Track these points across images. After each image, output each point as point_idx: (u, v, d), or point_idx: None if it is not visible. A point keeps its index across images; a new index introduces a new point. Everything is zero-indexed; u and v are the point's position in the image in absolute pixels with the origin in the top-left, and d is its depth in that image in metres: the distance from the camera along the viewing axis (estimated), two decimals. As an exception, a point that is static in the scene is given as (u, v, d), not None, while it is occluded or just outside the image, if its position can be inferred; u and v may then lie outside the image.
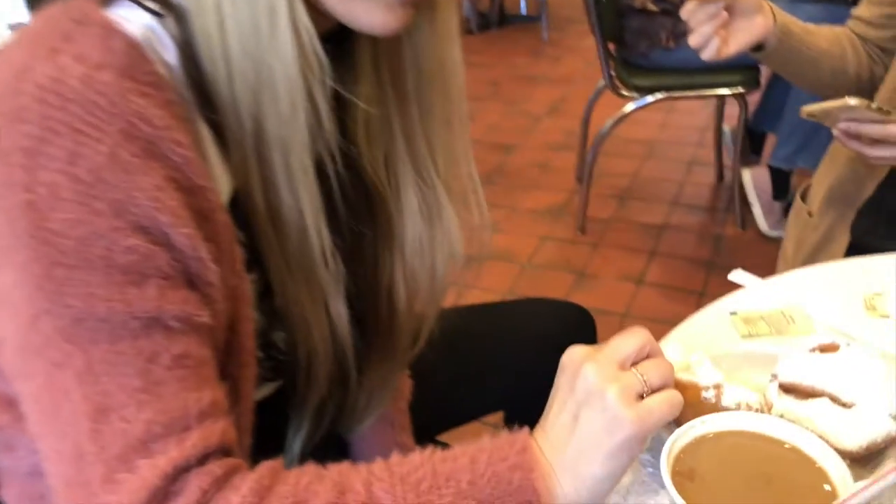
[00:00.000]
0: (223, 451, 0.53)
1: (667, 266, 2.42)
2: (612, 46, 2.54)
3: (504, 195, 2.86)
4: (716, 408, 0.58)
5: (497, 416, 1.08)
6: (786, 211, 2.54)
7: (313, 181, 0.61)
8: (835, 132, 1.00)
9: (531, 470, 0.53)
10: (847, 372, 0.63)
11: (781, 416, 0.61)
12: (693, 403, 0.58)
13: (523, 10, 5.01)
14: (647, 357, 0.56)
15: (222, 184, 0.59)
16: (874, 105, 0.92)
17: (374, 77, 0.70)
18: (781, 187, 2.52)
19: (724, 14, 0.96)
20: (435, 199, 0.74)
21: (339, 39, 0.64)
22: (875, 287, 0.84)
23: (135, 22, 0.54)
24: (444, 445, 0.56)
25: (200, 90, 0.57)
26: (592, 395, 0.53)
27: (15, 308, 0.51)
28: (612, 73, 2.43)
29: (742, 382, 0.66)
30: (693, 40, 0.98)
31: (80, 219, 0.49)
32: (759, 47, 1.04)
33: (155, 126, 0.50)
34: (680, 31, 2.44)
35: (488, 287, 2.30)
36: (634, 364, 0.55)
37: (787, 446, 0.52)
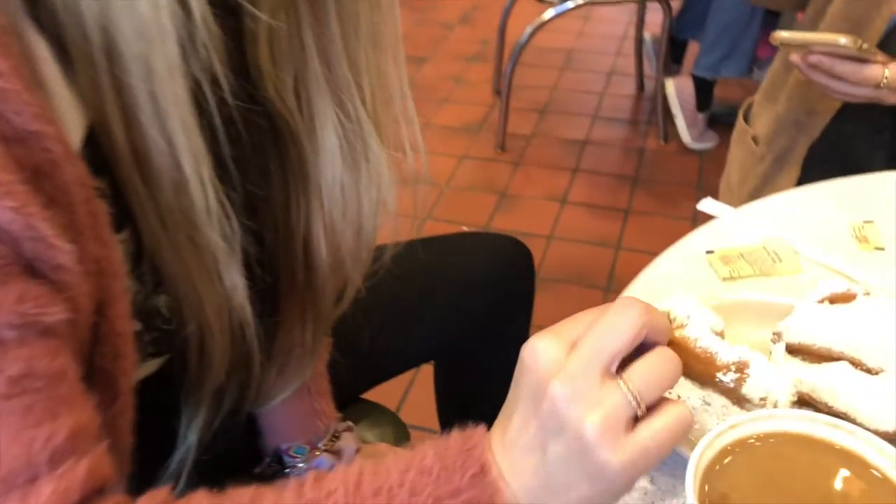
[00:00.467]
0: (93, 495, 0.38)
1: (590, 183, 2.32)
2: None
3: (417, 111, 2.66)
4: (734, 394, 0.45)
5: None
6: (709, 122, 2.47)
7: (190, 115, 0.44)
8: (795, 60, 0.87)
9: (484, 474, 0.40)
10: (868, 328, 0.51)
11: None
12: (703, 382, 0.45)
13: None
14: (642, 346, 0.41)
15: (71, 119, 0.42)
16: (865, 45, 0.79)
17: None
18: (705, 98, 2.43)
19: None
20: (360, 134, 0.57)
21: None
22: (863, 214, 0.73)
23: None
24: (370, 406, 0.41)
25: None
26: (565, 427, 0.39)
27: None
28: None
29: (736, 340, 0.53)
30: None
31: None
32: None
33: None
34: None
35: (405, 212, 2.14)
36: (623, 366, 0.40)
37: (854, 457, 0.38)
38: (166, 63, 0.42)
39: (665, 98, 2.48)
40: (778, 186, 1.01)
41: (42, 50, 0.40)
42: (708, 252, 0.69)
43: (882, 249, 0.69)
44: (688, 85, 2.44)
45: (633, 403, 0.39)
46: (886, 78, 0.79)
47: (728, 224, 0.73)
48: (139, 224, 0.47)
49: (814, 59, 0.84)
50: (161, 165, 0.45)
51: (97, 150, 0.43)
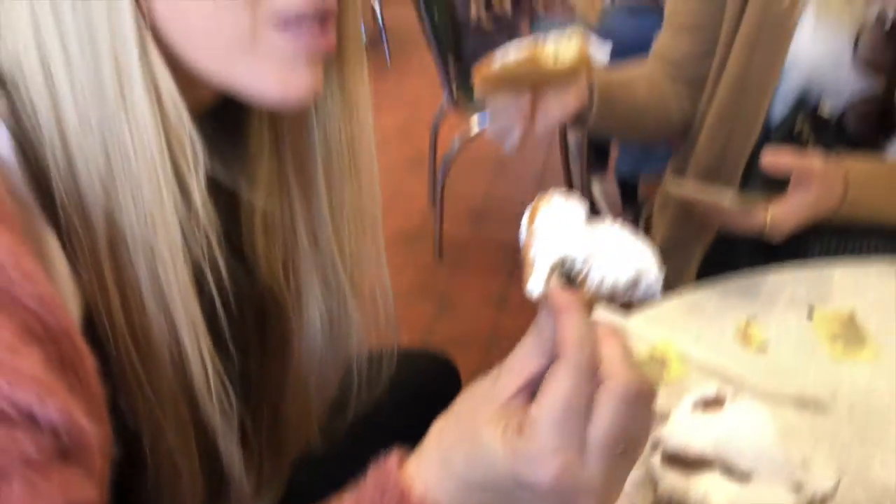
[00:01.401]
0: None
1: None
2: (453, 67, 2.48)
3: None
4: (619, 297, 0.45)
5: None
6: (636, 220, 2.56)
7: (191, 296, 0.46)
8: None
9: None
10: (738, 433, 0.53)
11: (669, 501, 0.49)
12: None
13: (363, 36, 4.91)
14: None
15: (70, 302, 0.43)
16: (746, 200, 0.82)
17: (275, 162, 0.56)
18: (630, 196, 2.53)
19: (527, 100, 0.80)
20: (339, 306, 0.61)
21: (225, 111, 0.51)
22: (746, 312, 0.76)
23: None
24: None
25: (40, 184, 0.43)
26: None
27: None
28: (454, 90, 2.36)
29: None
30: (489, 132, 0.83)
31: None
32: (576, 118, 0.89)
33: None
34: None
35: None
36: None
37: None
38: (169, 248, 0.44)
39: (592, 200, 2.57)
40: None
41: (51, 241, 0.42)
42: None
43: (765, 347, 0.72)
44: (612, 185, 2.54)
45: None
46: (769, 222, 0.81)
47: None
48: (133, 406, 0.47)
49: (701, 212, 0.87)
50: (160, 343, 0.46)
51: (90, 333, 0.44)
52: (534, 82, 0.78)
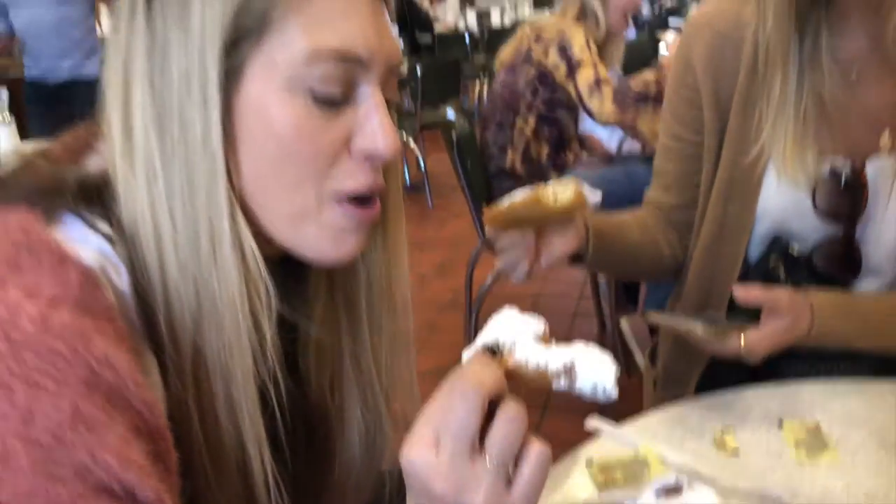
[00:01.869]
0: None
1: (561, 417, 2.41)
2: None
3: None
4: (573, 392, 0.52)
5: None
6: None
7: (257, 411, 0.56)
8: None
9: None
10: (692, 514, 0.62)
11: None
12: (545, 390, 0.52)
13: (407, 180, 5.26)
14: (494, 410, 0.48)
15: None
16: (718, 329, 0.91)
17: (328, 301, 0.67)
18: (657, 331, 2.61)
19: (532, 238, 0.94)
20: (376, 424, 0.71)
21: (289, 262, 0.61)
22: (724, 422, 0.85)
23: (87, 245, 0.51)
24: None
25: (146, 314, 0.53)
26: None
27: None
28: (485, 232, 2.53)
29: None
30: (501, 264, 0.96)
31: (37, 489, 0.42)
32: (576, 256, 1.02)
33: (118, 371, 0.45)
34: (547, 193, 2.60)
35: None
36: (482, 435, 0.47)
37: None
38: (242, 371, 0.54)
39: (623, 338, 2.66)
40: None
41: (151, 360, 0.53)
42: (587, 465, 0.80)
43: (736, 451, 0.81)
44: (641, 321, 2.63)
45: (502, 471, 0.47)
46: (743, 348, 0.89)
47: (611, 437, 0.85)
48: (200, 498, 0.55)
49: (678, 339, 0.95)
50: (228, 448, 0.55)
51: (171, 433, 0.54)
52: (536, 220, 0.92)
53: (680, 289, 1.16)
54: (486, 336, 0.54)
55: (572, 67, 2.42)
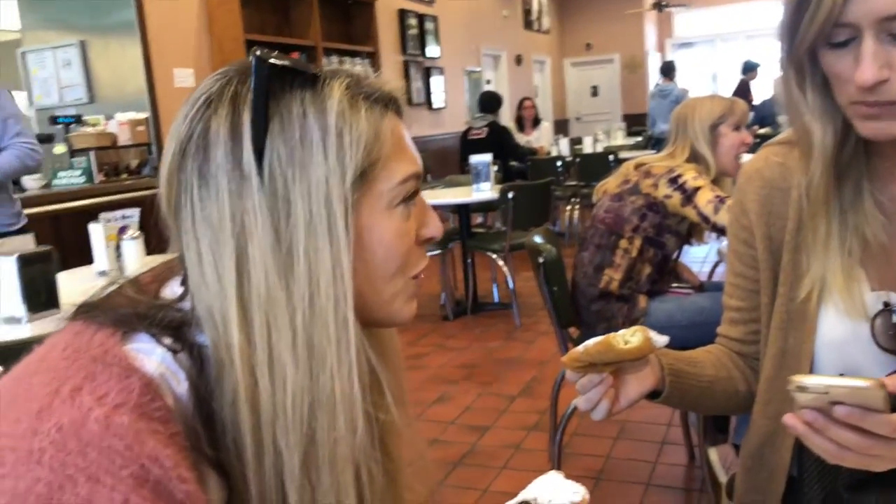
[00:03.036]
0: None
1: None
2: (576, 332, 2.73)
3: (476, 478, 2.84)
4: None
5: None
6: (758, 490, 2.53)
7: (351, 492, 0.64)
8: (791, 423, 0.83)
9: None
10: None
11: None
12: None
13: (496, 297, 5.35)
14: None
15: None
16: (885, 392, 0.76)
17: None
18: (749, 465, 2.53)
19: (610, 379, 1.00)
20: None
21: None
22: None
23: (152, 356, 0.60)
24: None
25: (207, 417, 0.61)
26: None
27: None
28: (573, 355, 2.57)
29: None
30: (581, 404, 1.01)
31: None
32: (653, 394, 1.08)
33: (164, 467, 0.53)
34: (634, 317, 2.63)
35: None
36: None
37: None
38: (349, 459, 0.63)
39: (711, 468, 2.59)
40: None
41: (208, 469, 0.60)
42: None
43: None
44: (731, 453, 2.56)
45: None
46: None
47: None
48: None
49: (842, 411, 0.76)
50: None
51: None
52: (609, 363, 1.00)
53: (748, 422, 1.18)
54: (525, 493, 0.62)
55: (689, 195, 2.47)
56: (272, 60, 0.63)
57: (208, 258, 0.63)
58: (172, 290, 0.69)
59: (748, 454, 1.20)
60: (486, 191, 4.94)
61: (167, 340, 0.62)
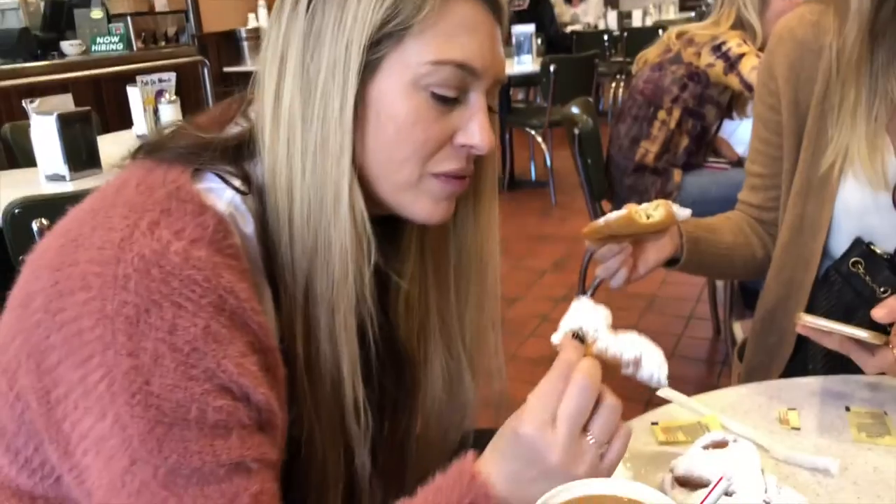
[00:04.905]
0: None
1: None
2: (608, 206, 2.73)
3: (506, 343, 2.93)
4: (636, 377, 0.66)
5: None
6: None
7: (354, 339, 0.68)
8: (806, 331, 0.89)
9: (487, 499, 0.59)
10: (731, 464, 0.68)
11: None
12: (614, 375, 0.65)
13: (533, 176, 5.32)
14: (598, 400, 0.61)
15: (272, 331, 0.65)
16: (883, 337, 0.83)
17: (418, 259, 0.80)
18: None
19: (629, 248, 1.01)
20: (458, 372, 0.83)
21: (390, 221, 0.74)
22: (790, 404, 0.90)
23: (221, 197, 0.64)
24: None
25: (269, 255, 0.66)
26: (567, 478, 0.58)
27: (110, 455, 0.55)
28: (604, 228, 2.58)
29: (645, 480, 0.72)
30: (601, 272, 1.03)
31: (178, 384, 0.55)
32: (672, 261, 1.09)
33: (239, 298, 0.58)
34: (668, 191, 2.61)
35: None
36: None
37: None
38: (344, 309, 0.66)
39: (734, 340, 2.63)
40: None
41: (267, 292, 0.65)
42: (652, 423, 0.88)
43: (798, 429, 0.85)
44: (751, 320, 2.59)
45: (602, 450, 0.60)
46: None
47: (680, 406, 0.92)
48: (300, 411, 0.68)
49: (833, 344, 0.86)
50: (325, 370, 0.68)
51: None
52: (630, 234, 1.00)
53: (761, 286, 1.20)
54: (569, 322, 0.66)
55: (732, 62, 2.38)
56: None
57: (265, 77, 0.67)
58: (233, 129, 0.71)
59: (760, 318, 1.22)
60: (527, 63, 4.81)
61: (235, 182, 0.66)
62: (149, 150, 0.67)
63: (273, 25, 0.68)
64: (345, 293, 0.66)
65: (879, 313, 0.87)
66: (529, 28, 4.83)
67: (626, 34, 6.87)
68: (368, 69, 0.65)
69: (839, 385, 0.94)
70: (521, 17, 6.04)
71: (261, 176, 0.67)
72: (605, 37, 6.78)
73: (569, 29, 7.30)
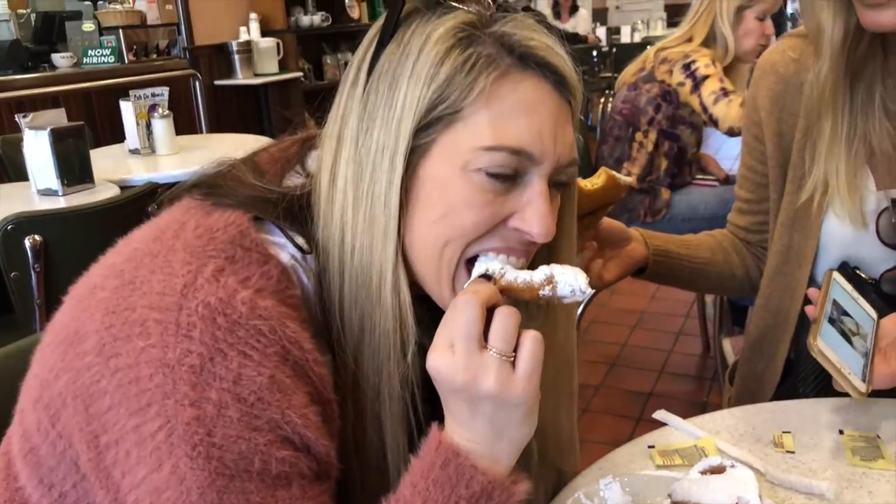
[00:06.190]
0: None
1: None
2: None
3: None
4: (555, 300, 0.64)
5: None
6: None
7: (398, 411, 0.66)
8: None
9: (457, 455, 0.59)
10: (728, 490, 0.69)
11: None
12: (533, 302, 0.65)
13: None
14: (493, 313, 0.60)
15: None
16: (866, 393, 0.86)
17: None
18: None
19: (594, 244, 1.02)
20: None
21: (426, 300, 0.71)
22: (784, 427, 0.91)
23: (284, 250, 0.64)
24: None
25: (324, 312, 0.66)
26: (480, 398, 0.59)
27: None
28: (594, 245, 2.60)
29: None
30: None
31: (242, 435, 0.55)
32: (639, 270, 1.12)
33: (303, 349, 0.58)
34: (656, 209, 2.63)
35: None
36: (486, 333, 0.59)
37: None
38: (389, 382, 0.65)
39: (724, 357, 2.65)
40: None
41: (325, 349, 0.64)
42: (650, 447, 0.89)
43: (793, 453, 0.87)
44: (742, 343, 2.61)
45: (505, 358, 0.59)
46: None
47: (676, 429, 0.93)
48: (347, 453, 0.66)
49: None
50: (371, 439, 0.66)
51: None
52: (583, 210, 0.97)
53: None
54: (478, 267, 0.65)
55: (697, 82, 2.43)
56: None
57: (325, 151, 0.67)
58: (293, 180, 0.71)
59: (748, 345, 1.24)
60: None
61: (299, 240, 0.65)
62: (206, 191, 0.66)
63: (338, 97, 0.68)
64: (387, 372, 0.65)
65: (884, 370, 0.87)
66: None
67: (614, 49, 6.93)
68: (418, 152, 0.63)
69: (832, 408, 0.95)
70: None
71: (319, 239, 0.66)
72: (594, 52, 6.84)
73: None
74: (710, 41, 2.50)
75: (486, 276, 0.65)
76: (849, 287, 0.90)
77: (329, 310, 0.65)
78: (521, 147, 0.63)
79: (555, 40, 0.65)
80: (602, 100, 6.80)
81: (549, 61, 0.64)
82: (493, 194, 0.63)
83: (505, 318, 0.60)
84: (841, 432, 0.90)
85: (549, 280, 0.64)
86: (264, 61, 5.66)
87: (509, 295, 0.64)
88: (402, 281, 0.64)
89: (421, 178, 0.64)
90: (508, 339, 0.59)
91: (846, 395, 0.89)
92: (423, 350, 0.63)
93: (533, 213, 0.64)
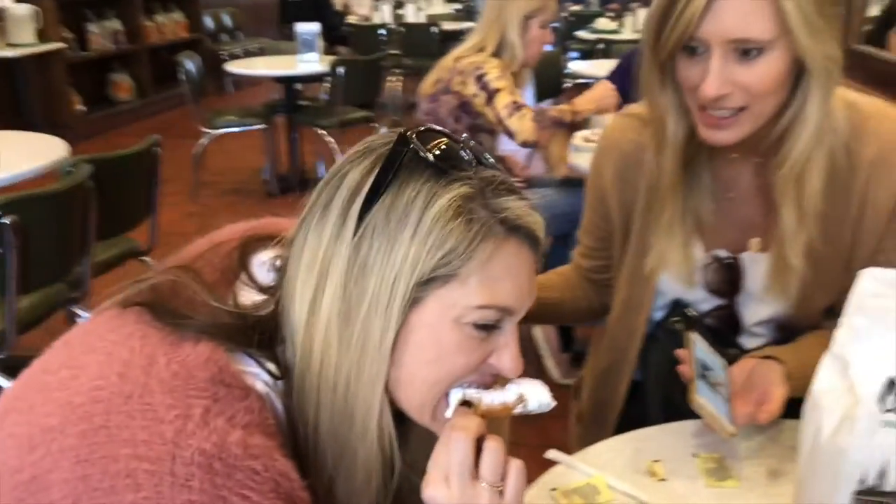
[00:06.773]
0: None
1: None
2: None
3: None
4: (523, 414, 0.77)
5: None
6: (573, 360, 2.90)
7: None
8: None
9: None
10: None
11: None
12: (509, 418, 0.76)
13: (321, 172, 5.33)
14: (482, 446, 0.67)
15: None
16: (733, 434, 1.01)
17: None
18: (567, 340, 2.89)
19: None
20: None
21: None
22: (652, 455, 1.09)
23: (258, 378, 0.65)
24: None
25: (294, 438, 0.68)
26: None
27: None
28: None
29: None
30: None
31: None
32: None
33: (290, 479, 0.61)
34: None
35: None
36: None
37: None
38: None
39: (533, 341, 2.93)
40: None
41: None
42: (552, 489, 1.02)
43: (665, 480, 1.05)
44: (552, 329, 2.90)
45: (495, 490, 0.67)
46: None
47: (566, 466, 1.07)
48: None
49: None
50: None
51: None
52: None
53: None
54: (454, 395, 0.73)
55: (490, 94, 2.60)
56: (413, 144, 0.69)
57: (299, 281, 0.68)
58: (245, 294, 0.71)
59: (594, 376, 1.43)
60: (313, 62, 4.80)
61: (270, 366, 0.67)
62: (160, 312, 0.65)
63: (311, 232, 0.69)
64: (366, 497, 0.69)
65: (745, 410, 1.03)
66: (315, 27, 4.81)
67: (403, 29, 7.04)
68: (412, 303, 0.68)
69: (686, 432, 1.14)
70: (300, 7, 5.97)
71: (290, 361, 0.68)
72: (382, 30, 6.91)
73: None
74: (501, 50, 2.68)
75: (467, 403, 0.72)
76: (705, 345, 1.08)
77: (301, 435, 0.69)
78: (507, 305, 0.71)
79: (529, 202, 0.73)
80: (391, 79, 6.90)
81: (532, 229, 0.72)
82: (478, 341, 0.71)
83: (494, 452, 0.68)
84: (694, 456, 1.09)
85: (521, 399, 0.75)
86: (20, 30, 5.06)
87: (489, 417, 0.73)
88: (387, 417, 0.69)
89: (413, 323, 0.68)
90: (498, 472, 0.68)
91: (690, 415, 1.08)
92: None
93: (508, 355, 0.73)
